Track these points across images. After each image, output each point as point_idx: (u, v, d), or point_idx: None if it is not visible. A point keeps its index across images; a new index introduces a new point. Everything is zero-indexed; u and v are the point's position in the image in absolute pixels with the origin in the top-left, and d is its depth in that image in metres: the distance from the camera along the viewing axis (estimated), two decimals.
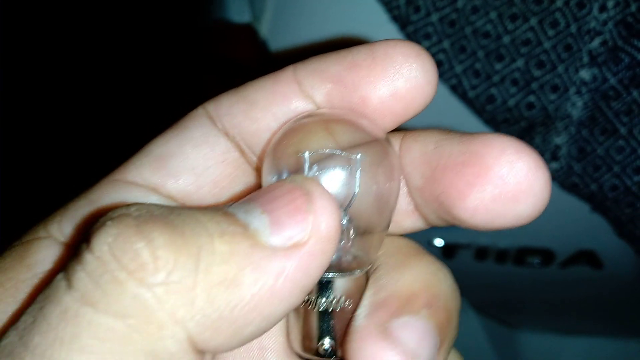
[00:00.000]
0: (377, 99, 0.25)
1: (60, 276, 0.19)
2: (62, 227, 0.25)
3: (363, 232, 0.26)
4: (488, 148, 0.22)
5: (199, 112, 0.27)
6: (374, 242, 0.27)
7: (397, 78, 0.24)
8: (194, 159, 0.26)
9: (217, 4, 0.74)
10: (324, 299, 0.26)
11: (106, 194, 0.25)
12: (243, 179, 0.27)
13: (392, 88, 0.24)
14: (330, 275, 0.26)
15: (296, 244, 0.20)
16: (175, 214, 0.19)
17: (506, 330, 0.94)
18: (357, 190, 0.25)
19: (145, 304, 0.18)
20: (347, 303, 0.27)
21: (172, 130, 0.27)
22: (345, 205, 0.25)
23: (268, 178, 0.26)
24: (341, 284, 0.26)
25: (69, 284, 0.18)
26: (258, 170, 0.29)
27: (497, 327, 0.93)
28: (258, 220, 0.20)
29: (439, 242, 0.74)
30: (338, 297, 0.26)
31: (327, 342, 0.27)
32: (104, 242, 0.18)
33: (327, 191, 0.22)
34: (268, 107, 0.26)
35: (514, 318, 0.92)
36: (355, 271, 0.27)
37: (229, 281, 0.19)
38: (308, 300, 0.27)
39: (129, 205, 0.20)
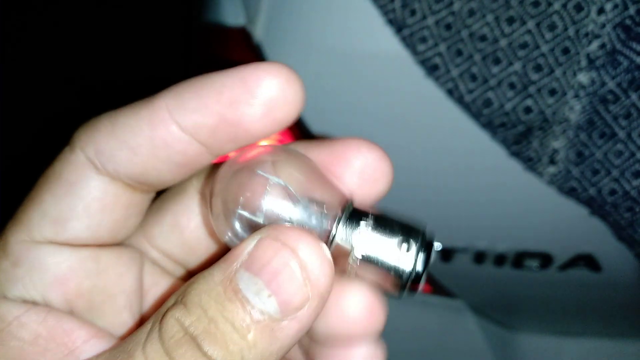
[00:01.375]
0: (255, 124, 0.26)
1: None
2: (8, 292, 0.27)
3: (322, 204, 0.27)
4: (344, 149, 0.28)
5: (80, 159, 0.27)
6: (334, 198, 0.27)
7: (269, 101, 0.26)
8: (88, 217, 0.28)
9: (212, 7, 0.73)
10: (355, 249, 0.26)
11: (25, 256, 0.27)
12: (136, 211, 0.29)
13: (265, 110, 0.26)
14: (335, 234, 0.26)
15: (303, 307, 0.24)
16: (212, 322, 0.23)
17: (505, 332, 0.93)
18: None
19: None
20: (369, 221, 0.26)
21: (59, 184, 0.27)
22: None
23: (232, 231, 0.27)
24: (348, 225, 0.27)
25: None
26: (202, 196, 0.31)
27: (496, 329, 0.92)
28: (269, 305, 0.23)
29: (437, 245, 0.74)
30: (359, 230, 0.26)
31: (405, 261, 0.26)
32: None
33: (312, 241, 0.24)
34: (151, 151, 0.26)
35: (512, 320, 0.91)
36: (349, 204, 0.27)
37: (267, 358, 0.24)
38: (348, 266, 0.27)
39: (176, 311, 0.23)
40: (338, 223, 0.26)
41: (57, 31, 1.75)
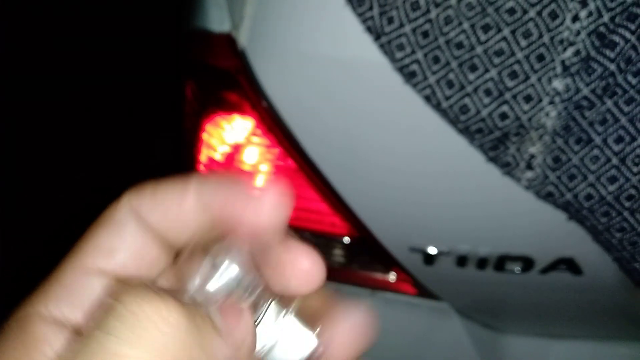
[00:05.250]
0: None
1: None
2: (50, 310, 0.31)
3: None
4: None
5: (127, 207, 0.32)
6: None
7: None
8: (132, 251, 0.32)
9: (198, 13, 0.74)
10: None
11: (73, 280, 0.32)
12: (161, 261, 0.33)
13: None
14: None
15: None
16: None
17: (491, 334, 0.94)
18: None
19: None
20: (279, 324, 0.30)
21: (111, 223, 0.32)
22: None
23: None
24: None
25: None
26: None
27: (482, 331, 0.93)
28: None
29: (432, 250, 0.74)
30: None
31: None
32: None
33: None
34: (176, 217, 0.31)
35: (498, 322, 0.92)
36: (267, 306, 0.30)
37: None
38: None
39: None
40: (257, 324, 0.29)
41: (41, 34, 1.77)
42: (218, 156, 0.77)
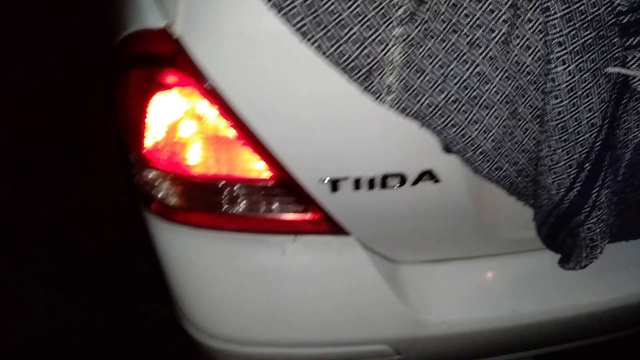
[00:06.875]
0: None
1: None
2: None
3: None
4: None
5: None
6: None
7: None
8: None
9: (135, 18, 0.97)
10: None
11: None
12: None
13: None
14: None
15: None
16: None
17: (390, 265, 1.18)
18: None
19: None
20: None
21: None
22: None
23: None
24: None
25: None
26: None
27: (384, 263, 1.17)
28: None
29: (335, 177, 0.98)
30: None
31: None
32: None
33: None
34: None
35: (392, 253, 1.17)
36: None
37: None
38: None
39: None
40: None
41: None
42: (162, 131, 0.97)
